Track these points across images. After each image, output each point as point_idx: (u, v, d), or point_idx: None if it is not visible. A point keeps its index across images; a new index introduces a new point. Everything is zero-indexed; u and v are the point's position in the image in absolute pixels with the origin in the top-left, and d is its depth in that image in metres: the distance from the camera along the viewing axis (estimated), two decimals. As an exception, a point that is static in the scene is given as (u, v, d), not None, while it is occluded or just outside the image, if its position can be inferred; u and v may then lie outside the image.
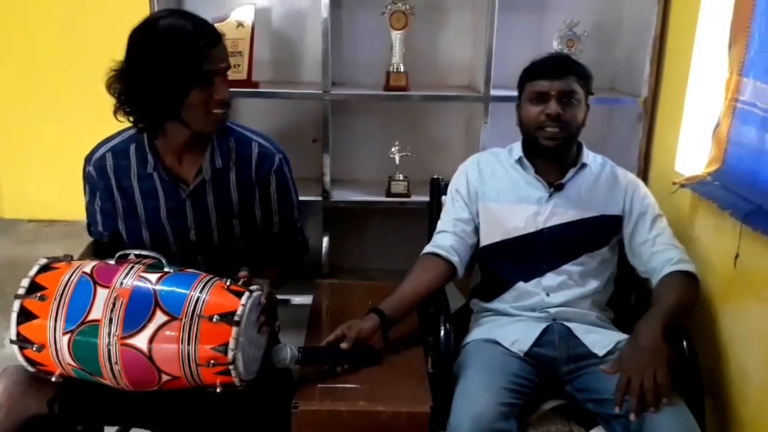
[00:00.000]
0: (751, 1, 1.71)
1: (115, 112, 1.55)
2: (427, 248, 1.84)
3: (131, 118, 1.56)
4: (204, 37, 1.50)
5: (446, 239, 1.83)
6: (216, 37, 1.53)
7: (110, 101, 1.55)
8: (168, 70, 1.47)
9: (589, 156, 1.86)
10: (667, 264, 1.71)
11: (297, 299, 2.34)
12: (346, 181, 2.53)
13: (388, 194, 2.40)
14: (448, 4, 2.45)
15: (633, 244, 1.79)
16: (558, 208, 1.79)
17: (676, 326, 1.63)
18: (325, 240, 2.45)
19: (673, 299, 1.64)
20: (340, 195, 2.40)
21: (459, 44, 2.48)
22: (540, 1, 2.44)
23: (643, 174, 2.32)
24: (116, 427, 1.73)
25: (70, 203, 1.89)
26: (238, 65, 2.24)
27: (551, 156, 1.79)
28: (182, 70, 1.47)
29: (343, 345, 1.58)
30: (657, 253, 1.74)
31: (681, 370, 1.66)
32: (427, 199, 2.14)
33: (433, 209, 2.06)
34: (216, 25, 2.12)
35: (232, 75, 2.19)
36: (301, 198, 1.89)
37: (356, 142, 2.55)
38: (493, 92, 2.26)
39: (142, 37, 1.50)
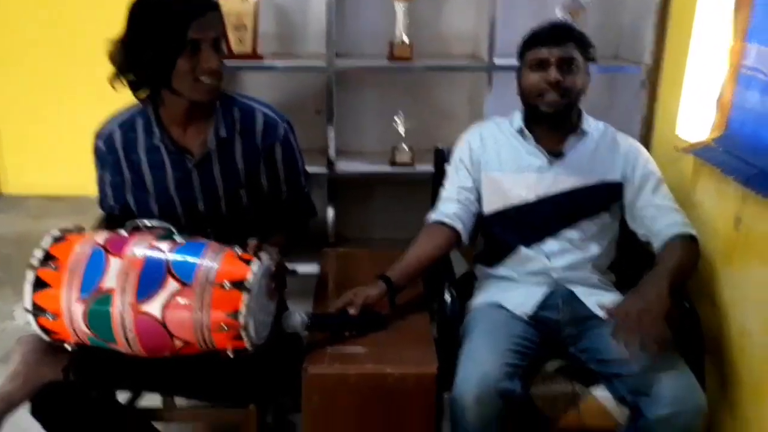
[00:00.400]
0: (755, -34, 1.71)
1: (112, 81, 1.57)
2: (432, 216, 1.86)
3: (127, 85, 1.58)
4: (190, 5, 1.50)
5: (450, 207, 1.85)
6: (204, 5, 1.52)
7: (112, 78, 1.60)
8: (156, 37, 1.49)
9: (590, 123, 1.86)
10: (669, 227, 1.73)
11: (302, 268, 2.35)
12: (351, 152, 2.55)
13: (393, 164, 2.42)
14: (451, -26, 2.45)
15: (634, 209, 1.81)
16: (559, 176, 1.81)
17: (679, 288, 1.65)
18: (331, 211, 2.48)
19: (677, 260, 1.65)
20: (344, 166, 2.42)
21: (462, 14, 2.47)
22: (542, -30, 2.43)
23: (646, 140, 2.32)
24: (128, 392, 1.78)
25: (76, 179, 1.91)
26: (243, 39, 2.24)
27: (551, 123, 1.81)
28: (168, 37, 1.49)
29: (351, 311, 1.61)
30: (658, 218, 1.76)
31: (682, 330, 1.69)
32: (431, 168, 2.16)
33: (438, 178, 2.07)
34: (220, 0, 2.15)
35: (236, 48, 2.23)
36: (306, 169, 1.92)
37: (360, 113, 2.57)
38: (497, 61, 2.27)
39: (136, 6, 1.53)
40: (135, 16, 1.52)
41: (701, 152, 1.87)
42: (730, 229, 1.74)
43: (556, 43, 1.74)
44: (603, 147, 1.84)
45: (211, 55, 1.53)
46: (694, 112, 2.06)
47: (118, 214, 1.73)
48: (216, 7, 1.56)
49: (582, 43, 1.78)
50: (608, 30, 2.49)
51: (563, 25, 1.85)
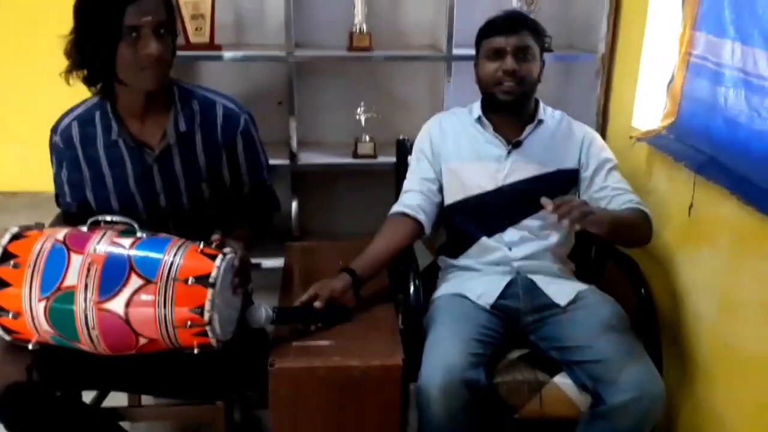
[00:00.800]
0: (704, -44, 1.75)
1: (66, 75, 1.55)
2: (395, 208, 1.88)
3: (81, 79, 1.56)
4: None
5: (413, 198, 1.87)
6: None
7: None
8: (94, 26, 1.47)
9: (546, 112, 1.90)
10: (623, 205, 1.77)
11: (268, 263, 2.36)
12: (313, 144, 2.54)
13: (355, 156, 2.42)
14: (409, -36, 2.45)
15: (590, 193, 1.83)
16: (517, 165, 1.84)
17: (616, 238, 1.70)
18: (294, 203, 2.47)
19: (626, 214, 1.72)
20: (307, 158, 2.41)
21: (421, 4, 2.47)
22: (500, -41, 2.45)
23: (602, 129, 2.37)
24: (94, 392, 1.76)
25: (32, 174, 1.88)
26: (200, 28, 2.21)
27: (509, 112, 1.83)
28: (105, 25, 1.46)
29: (316, 304, 1.62)
30: (614, 198, 1.79)
31: (639, 314, 1.74)
32: (393, 159, 2.17)
33: (400, 170, 2.09)
34: (177, -12, 2.12)
35: (194, 38, 2.20)
36: (268, 162, 1.91)
37: (322, 104, 2.56)
38: (456, 51, 2.28)
39: None
40: (76, 7, 1.50)
41: (654, 140, 1.92)
42: (683, 215, 1.79)
43: (512, 32, 1.76)
44: (559, 135, 1.87)
45: (150, 41, 1.48)
46: (649, 101, 2.11)
47: (76, 211, 1.70)
48: None
49: (536, 31, 1.81)
50: (563, 19, 2.53)
51: (518, 15, 1.87)
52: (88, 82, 1.57)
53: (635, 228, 1.73)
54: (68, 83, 1.55)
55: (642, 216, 1.74)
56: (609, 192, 1.80)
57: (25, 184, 2.31)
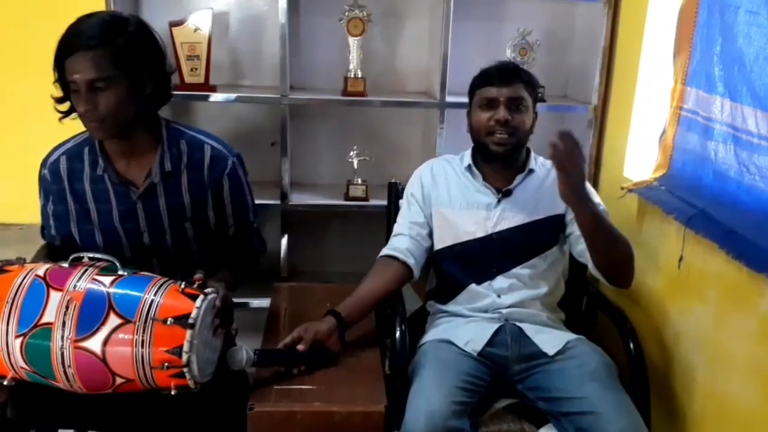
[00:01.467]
0: (694, 13, 1.78)
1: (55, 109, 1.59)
2: (384, 251, 1.87)
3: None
4: (64, 45, 1.48)
5: (402, 242, 1.86)
6: (75, 46, 1.47)
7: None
8: (56, 72, 1.52)
9: (537, 161, 1.91)
10: None
11: (255, 302, 2.35)
12: (305, 185, 2.55)
13: (347, 198, 2.42)
14: (405, 12, 2.48)
15: (575, 233, 1.79)
16: (506, 213, 1.83)
17: (602, 237, 1.67)
18: (284, 243, 2.46)
19: (612, 225, 1.69)
20: (298, 198, 2.41)
21: (416, 51, 2.51)
22: (494, 10, 2.49)
23: (594, 179, 2.38)
24: (70, 431, 1.72)
25: (26, 206, 1.88)
26: (196, 69, 2.24)
27: (500, 162, 1.84)
28: (58, 74, 1.51)
29: (300, 347, 1.60)
30: None
31: (628, 368, 1.72)
32: (385, 202, 2.17)
33: (391, 213, 2.09)
34: (173, 29, 2.15)
35: (189, 78, 2.22)
36: (259, 201, 1.91)
37: (315, 146, 2.57)
38: (449, 99, 2.30)
39: None
40: None
41: (644, 191, 1.92)
42: (672, 267, 1.78)
43: (505, 83, 1.78)
44: (548, 182, 1.87)
45: (81, 98, 1.48)
46: (641, 152, 2.12)
47: (60, 244, 1.69)
48: (95, 46, 1.47)
49: (530, 83, 1.83)
50: (557, 70, 2.57)
51: (512, 66, 1.89)
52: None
53: (617, 240, 1.67)
54: (59, 120, 1.58)
55: (628, 244, 1.69)
56: None
57: (17, 216, 2.31)
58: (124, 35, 1.51)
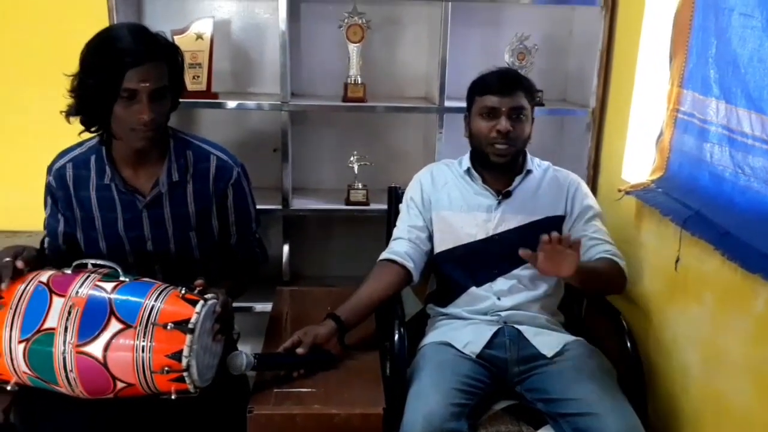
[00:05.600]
0: (689, 17, 1.79)
1: (67, 115, 1.58)
2: (383, 255, 1.88)
3: (78, 122, 1.59)
4: (131, 55, 1.49)
5: (401, 246, 1.88)
6: (143, 57, 1.51)
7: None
8: (95, 82, 1.50)
9: (534, 162, 1.93)
10: (600, 253, 1.78)
11: (258, 307, 2.37)
12: (306, 190, 2.57)
13: (348, 202, 2.44)
14: (404, 18, 2.50)
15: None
16: (506, 215, 1.85)
17: (587, 287, 1.74)
18: (286, 248, 2.48)
19: (598, 265, 1.74)
20: (299, 203, 2.43)
21: (415, 56, 2.53)
22: (492, 16, 2.51)
23: (593, 182, 2.39)
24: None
25: (34, 214, 1.91)
26: (198, 77, 2.26)
27: (499, 168, 1.86)
28: (104, 83, 1.50)
29: (299, 350, 1.61)
30: (591, 247, 1.80)
31: (625, 368, 1.73)
32: (385, 207, 2.20)
33: (391, 217, 2.11)
34: (175, 37, 2.18)
35: (191, 86, 2.25)
36: (261, 207, 1.93)
37: (316, 152, 2.59)
38: (448, 103, 2.32)
39: (87, 44, 1.54)
40: (81, 58, 1.53)
41: (641, 194, 1.93)
42: (670, 269, 1.79)
43: (507, 93, 1.79)
44: (546, 183, 1.89)
45: (145, 106, 1.52)
46: (638, 155, 2.13)
47: (65, 250, 1.71)
48: (158, 58, 1.54)
49: (529, 91, 1.84)
50: (555, 74, 2.58)
51: (513, 74, 1.90)
52: (86, 125, 1.60)
53: (605, 280, 1.74)
54: (68, 122, 1.59)
55: (615, 267, 1.76)
56: (586, 242, 1.80)
57: (25, 224, 2.34)
58: (175, 50, 1.61)
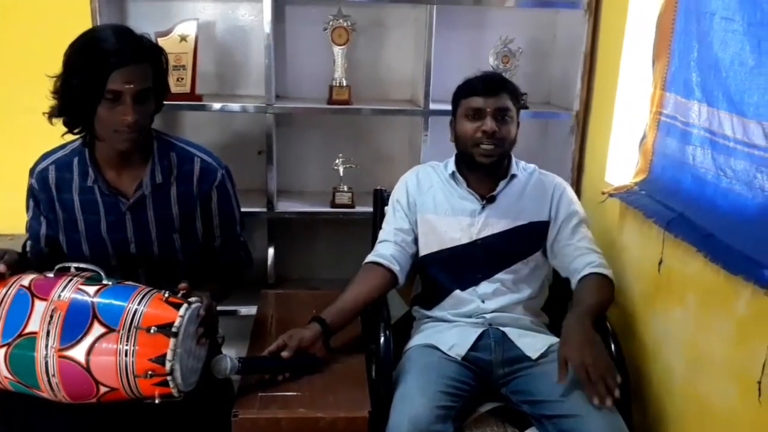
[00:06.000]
0: (672, 21, 1.81)
1: (50, 117, 1.57)
2: (369, 257, 1.88)
3: (61, 123, 1.58)
4: (115, 56, 1.49)
5: (387, 248, 1.88)
6: (128, 58, 1.50)
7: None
8: (78, 82, 1.49)
9: (519, 166, 1.93)
10: (587, 266, 1.79)
11: (244, 310, 2.36)
12: (292, 193, 2.57)
13: (333, 205, 2.44)
14: (389, 21, 2.50)
15: (555, 246, 1.86)
16: (490, 219, 1.86)
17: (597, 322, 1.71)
18: (271, 251, 2.47)
19: (595, 297, 1.72)
20: (285, 206, 2.42)
21: (400, 59, 2.53)
22: (477, 19, 2.52)
23: (577, 184, 2.40)
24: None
25: (15, 216, 1.89)
26: (182, 79, 2.25)
27: (484, 170, 1.86)
28: (88, 84, 1.48)
29: (284, 354, 1.61)
30: (578, 257, 1.82)
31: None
32: (370, 209, 2.19)
33: (377, 219, 2.11)
34: (159, 39, 2.17)
35: (175, 89, 2.23)
36: (246, 209, 1.92)
37: (301, 154, 2.59)
38: (433, 106, 2.32)
39: (71, 45, 1.52)
40: (66, 53, 1.52)
41: (625, 196, 1.95)
42: (653, 270, 1.80)
43: (492, 94, 1.80)
44: (530, 188, 1.90)
45: (129, 108, 1.51)
46: (622, 157, 2.14)
47: (47, 253, 1.70)
48: (143, 60, 1.54)
49: (515, 93, 1.85)
50: (539, 77, 2.59)
51: (498, 77, 1.91)
52: (69, 126, 1.59)
53: (603, 307, 1.75)
54: (51, 123, 1.58)
55: (603, 285, 1.77)
56: (572, 251, 1.83)
57: (7, 227, 2.31)
58: (159, 51, 1.60)
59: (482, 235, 1.85)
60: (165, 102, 1.68)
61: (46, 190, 1.66)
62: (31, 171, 1.69)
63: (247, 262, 1.90)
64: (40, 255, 1.71)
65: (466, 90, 1.85)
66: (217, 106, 2.28)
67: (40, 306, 1.36)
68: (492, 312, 1.82)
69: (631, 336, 1.92)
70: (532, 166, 1.97)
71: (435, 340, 1.78)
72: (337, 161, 2.43)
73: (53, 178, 1.66)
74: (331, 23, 2.32)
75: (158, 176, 1.65)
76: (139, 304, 1.38)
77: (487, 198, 1.87)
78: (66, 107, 1.54)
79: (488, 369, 1.74)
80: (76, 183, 1.65)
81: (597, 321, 1.69)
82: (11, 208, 1.95)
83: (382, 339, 1.74)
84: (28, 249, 1.73)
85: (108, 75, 1.47)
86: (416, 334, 1.87)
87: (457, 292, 1.85)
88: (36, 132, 1.64)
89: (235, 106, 2.31)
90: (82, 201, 1.65)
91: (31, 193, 1.69)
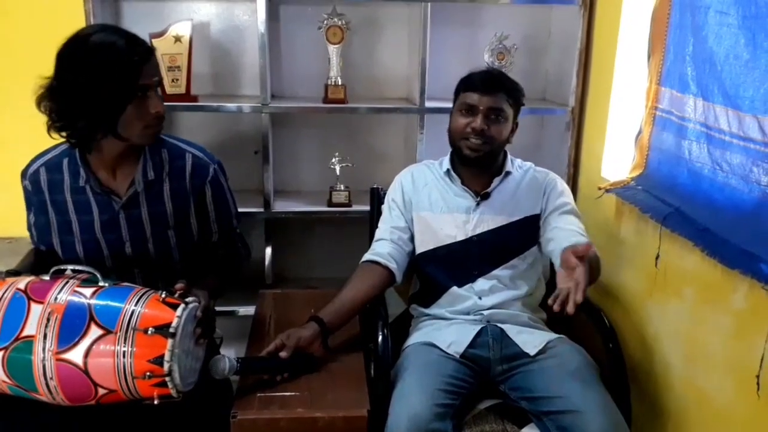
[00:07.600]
0: (667, 15, 1.81)
1: (48, 130, 1.55)
2: (366, 256, 1.88)
3: (64, 134, 1.56)
4: (137, 53, 1.51)
5: (384, 247, 1.88)
6: (148, 51, 1.54)
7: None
8: (103, 86, 1.47)
9: (514, 164, 1.93)
10: (568, 238, 1.72)
11: (242, 310, 2.36)
12: (288, 192, 2.56)
13: (330, 204, 2.44)
14: (384, 19, 2.50)
15: (546, 233, 1.83)
16: (485, 216, 1.86)
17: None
18: (268, 251, 2.47)
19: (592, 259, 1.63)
20: (281, 206, 2.42)
21: (395, 58, 2.53)
22: (471, 16, 2.51)
23: (573, 180, 2.40)
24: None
25: (14, 220, 1.89)
26: (177, 80, 2.24)
27: (475, 166, 1.86)
28: (118, 85, 1.48)
29: (282, 354, 1.61)
30: (563, 239, 1.73)
31: (608, 365, 1.74)
32: (367, 208, 2.19)
33: (374, 217, 2.10)
34: (154, 40, 2.17)
35: (170, 89, 2.23)
36: (243, 209, 1.92)
37: (297, 154, 2.58)
38: (429, 104, 2.32)
39: (74, 54, 1.49)
40: (72, 62, 1.49)
41: (621, 191, 1.95)
42: (650, 265, 1.81)
43: (487, 92, 1.79)
44: (524, 184, 1.90)
45: (157, 99, 1.55)
46: (618, 153, 2.14)
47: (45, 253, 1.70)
48: (154, 52, 1.58)
49: (513, 94, 1.84)
50: (535, 73, 2.59)
51: (497, 75, 1.90)
52: (72, 136, 1.57)
53: (594, 265, 1.64)
54: (51, 137, 1.57)
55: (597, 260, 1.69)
56: (557, 233, 1.78)
57: (5, 230, 2.31)
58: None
59: (477, 232, 1.85)
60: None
61: (38, 192, 1.66)
62: (23, 173, 1.68)
63: (246, 253, 1.89)
64: (40, 248, 1.71)
65: (465, 83, 1.85)
66: (212, 106, 2.28)
67: (36, 309, 1.35)
68: (489, 308, 1.81)
69: (629, 330, 1.92)
70: (529, 163, 1.97)
71: (433, 338, 1.78)
72: (333, 160, 2.43)
73: (45, 179, 1.65)
74: (325, 22, 2.31)
75: (150, 173, 1.65)
76: (136, 305, 1.37)
77: (482, 195, 1.87)
78: (79, 113, 1.52)
79: (487, 366, 1.75)
80: (68, 183, 1.64)
81: (595, 318, 1.70)
82: (9, 212, 1.95)
83: (380, 337, 1.74)
84: (36, 243, 1.73)
85: (140, 71, 1.50)
86: (414, 332, 1.87)
87: (454, 288, 1.85)
88: (31, 135, 1.63)
89: (230, 107, 2.30)
90: (74, 201, 1.64)
91: (26, 195, 1.70)
